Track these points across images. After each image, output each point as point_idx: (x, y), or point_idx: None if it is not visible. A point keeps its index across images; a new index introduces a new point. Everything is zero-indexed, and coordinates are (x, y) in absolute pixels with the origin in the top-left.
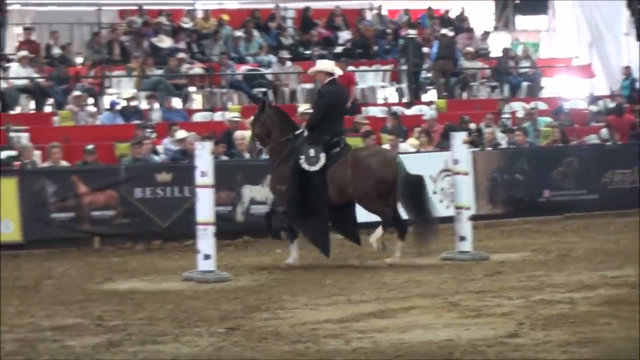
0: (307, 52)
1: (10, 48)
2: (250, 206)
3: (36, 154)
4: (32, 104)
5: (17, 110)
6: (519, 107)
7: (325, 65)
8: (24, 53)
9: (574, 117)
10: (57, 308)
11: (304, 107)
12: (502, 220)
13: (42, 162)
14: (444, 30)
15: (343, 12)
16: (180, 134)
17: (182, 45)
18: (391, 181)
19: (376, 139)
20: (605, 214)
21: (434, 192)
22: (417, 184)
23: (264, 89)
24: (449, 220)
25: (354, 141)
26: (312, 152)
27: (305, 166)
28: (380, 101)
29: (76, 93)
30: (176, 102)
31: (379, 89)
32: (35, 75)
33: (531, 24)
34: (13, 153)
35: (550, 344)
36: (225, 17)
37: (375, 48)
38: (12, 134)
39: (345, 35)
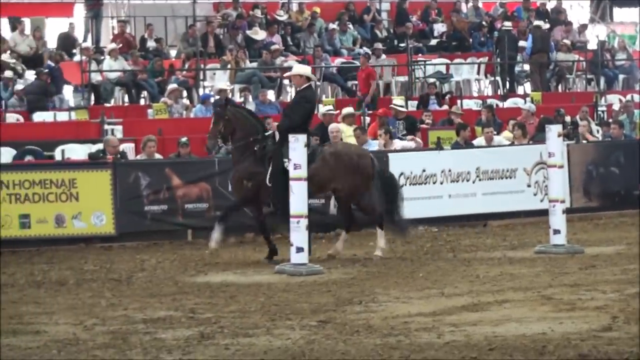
0: (402, 44)
1: (104, 41)
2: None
3: (129, 146)
4: (126, 97)
5: (112, 103)
6: (614, 100)
7: (304, 69)
8: (113, 46)
9: None
10: (149, 300)
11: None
12: (596, 213)
13: (135, 155)
14: (537, 23)
15: (438, 5)
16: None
17: (276, 37)
18: (372, 175)
19: (470, 132)
20: None
21: (528, 185)
22: (391, 182)
23: (357, 82)
24: (544, 213)
25: (449, 134)
26: (320, 150)
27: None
28: (474, 94)
29: (172, 86)
30: (270, 95)
31: (473, 81)
32: (130, 68)
33: (628, 16)
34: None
35: None
36: (317, 9)
37: (470, 40)
38: (106, 127)
39: (440, 28)
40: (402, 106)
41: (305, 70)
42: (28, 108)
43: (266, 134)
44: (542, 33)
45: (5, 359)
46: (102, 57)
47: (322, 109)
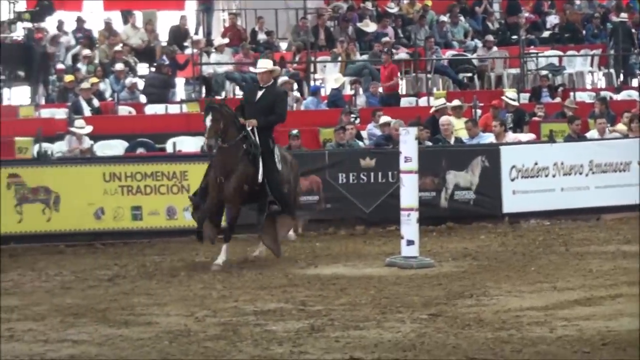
0: (514, 36)
1: (215, 34)
2: (454, 192)
3: None
4: (237, 89)
5: (223, 95)
6: None
7: (273, 65)
8: (220, 41)
9: None
10: (260, 292)
11: (508, 94)
12: None
13: None
14: None
15: None
16: (384, 119)
17: (387, 30)
18: None
19: (582, 125)
20: None
21: None
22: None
23: (469, 74)
24: None
25: (562, 127)
26: (277, 151)
27: (280, 166)
28: (588, 86)
29: (283, 79)
30: (380, 88)
31: (586, 73)
32: (237, 61)
33: None
34: None
35: None
36: (429, 2)
37: (584, 32)
38: None
39: (552, 20)
40: (513, 99)
41: (274, 66)
42: (148, 100)
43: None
44: None
45: (118, 350)
46: (213, 50)
47: (434, 102)
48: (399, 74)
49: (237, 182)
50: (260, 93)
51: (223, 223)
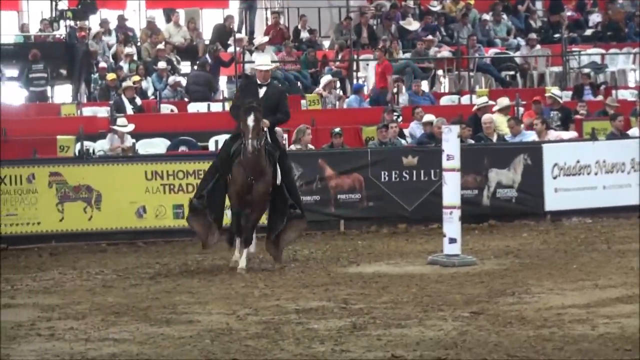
0: (556, 35)
1: (258, 32)
2: (496, 190)
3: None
4: None
5: None
6: None
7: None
8: (260, 40)
9: None
10: (301, 291)
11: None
12: None
13: (288, 145)
14: None
15: None
16: (427, 117)
17: (430, 28)
18: None
19: (624, 122)
20: None
21: None
22: None
23: (512, 72)
24: None
25: (604, 125)
26: None
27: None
28: (630, 84)
29: (327, 77)
30: (424, 85)
31: (629, 71)
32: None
33: None
34: None
35: None
36: (472, 0)
37: (626, 30)
38: None
39: (595, 18)
40: (559, 96)
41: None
42: (191, 99)
43: None
44: None
45: (159, 349)
46: (254, 49)
47: (476, 100)
48: (392, 72)
49: (268, 183)
50: (262, 91)
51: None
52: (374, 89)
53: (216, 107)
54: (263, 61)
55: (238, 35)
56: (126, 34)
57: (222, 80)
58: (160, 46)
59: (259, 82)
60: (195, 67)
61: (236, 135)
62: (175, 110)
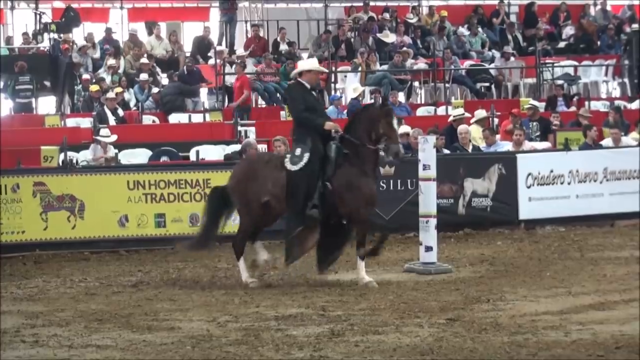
0: (531, 47)
1: (238, 44)
2: (472, 199)
3: (261, 147)
4: (260, 99)
5: None
6: None
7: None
8: (242, 52)
9: None
10: (281, 298)
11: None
12: None
13: None
14: None
15: (567, 8)
16: (404, 128)
17: (406, 40)
18: None
19: (596, 133)
20: None
21: None
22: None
23: (486, 84)
24: None
25: (577, 135)
26: None
27: None
28: (602, 95)
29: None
30: (400, 97)
31: (601, 83)
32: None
33: None
34: (239, 147)
35: None
36: (444, 13)
37: (598, 43)
38: (239, 128)
39: (568, 31)
40: (539, 107)
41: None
42: (165, 110)
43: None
44: None
45: (141, 355)
46: (236, 60)
47: (452, 111)
48: (250, 87)
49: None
50: (313, 95)
51: None
52: (352, 101)
53: (197, 117)
54: (312, 64)
55: (218, 48)
56: (116, 47)
57: (203, 92)
58: (144, 60)
59: (307, 86)
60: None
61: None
62: (157, 121)
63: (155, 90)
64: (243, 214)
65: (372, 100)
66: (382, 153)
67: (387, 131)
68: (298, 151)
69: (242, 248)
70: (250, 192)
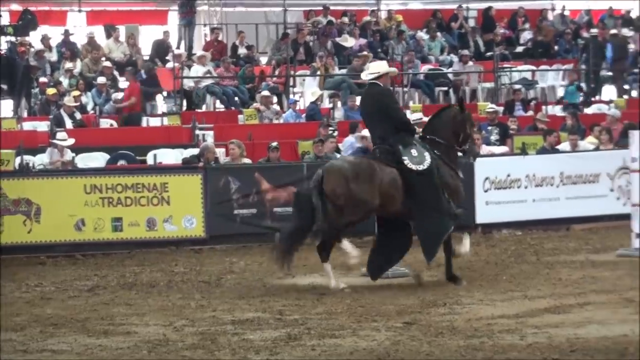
0: (489, 52)
1: (197, 48)
2: None
3: (219, 151)
4: (218, 103)
5: (203, 108)
6: None
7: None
8: (201, 53)
9: None
10: (238, 302)
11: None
12: None
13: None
14: (613, 31)
15: (525, 12)
16: (362, 131)
17: (365, 44)
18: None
19: (556, 137)
20: None
21: (611, 190)
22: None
23: (445, 88)
24: (626, 217)
25: (534, 139)
26: None
27: None
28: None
29: (264, 93)
30: (358, 101)
31: (558, 87)
32: (218, 74)
33: None
34: (197, 151)
35: None
36: (400, 17)
37: (556, 48)
38: (197, 132)
39: (526, 36)
40: (499, 111)
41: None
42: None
43: None
44: (620, 41)
45: (97, 359)
46: (194, 63)
47: (410, 115)
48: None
49: None
50: None
51: None
52: (310, 105)
53: (155, 121)
54: (387, 68)
55: (177, 51)
56: (72, 50)
57: (161, 96)
58: (107, 63)
59: None
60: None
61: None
62: (115, 125)
63: (119, 95)
64: (347, 215)
65: (331, 105)
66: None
67: (472, 134)
68: (414, 152)
69: (329, 250)
70: (362, 193)
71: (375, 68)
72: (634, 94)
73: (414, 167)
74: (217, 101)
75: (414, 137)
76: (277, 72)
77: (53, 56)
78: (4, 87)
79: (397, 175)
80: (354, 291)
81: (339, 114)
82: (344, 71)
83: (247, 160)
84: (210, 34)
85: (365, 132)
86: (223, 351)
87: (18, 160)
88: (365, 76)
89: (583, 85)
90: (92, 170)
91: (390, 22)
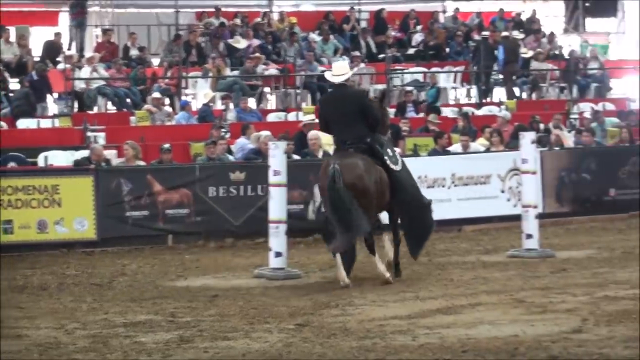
0: (381, 55)
1: (88, 49)
2: (321, 204)
3: (111, 153)
4: (110, 104)
5: (95, 110)
6: (586, 108)
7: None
8: (90, 55)
9: None
10: (130, 305)
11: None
12: (568, 219)
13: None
14: (505, 34)
15: (417, 14)
16: (256, 133)
17: (258, 46)
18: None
19: (447, 139)
20: None
21: (502, 191)
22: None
23: None
24: (517, 218)
25: (426, 141)
26: None
27: None
28: (451, 102)
29: (155, 94)
30: (251, 103)
31: (450, 89)
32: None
33: (601, 26)
34: (88, 153)
35: (613, 339)
36: (293, 19)
37: (447, 50)
38: (89, 134)
39: (418, 38)
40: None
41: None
42: (14, 115)
43: None
44: (510, 43)
45: None
46: (85, 64)
47: (302, 117)
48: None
49: None
50: None
51: None
52: (203, 106)
53: (46, 123)
54: (345, 68)
55: (68, 52)
56: None
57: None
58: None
59: None
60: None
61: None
62: (5, 126)
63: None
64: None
65: (224, 106)
66: None
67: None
68: (390, 152)
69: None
70: (375, 189)
71: (341, 69)
72: (524, 95)
73: (393, 166)
74: (109, 103)
75: (384, 137)
76: (169, 74)
77: None
78: None
79: (384, 173)
80: (246, 293)
81: (231, 115)
82: (236, 73)
83: (140, 162)
84: (101, 35)
85: (258, 133)
86: (115, 354)
87: None
88: (332, 77)
89: (474, 87)
90: None
91: (283, 23)
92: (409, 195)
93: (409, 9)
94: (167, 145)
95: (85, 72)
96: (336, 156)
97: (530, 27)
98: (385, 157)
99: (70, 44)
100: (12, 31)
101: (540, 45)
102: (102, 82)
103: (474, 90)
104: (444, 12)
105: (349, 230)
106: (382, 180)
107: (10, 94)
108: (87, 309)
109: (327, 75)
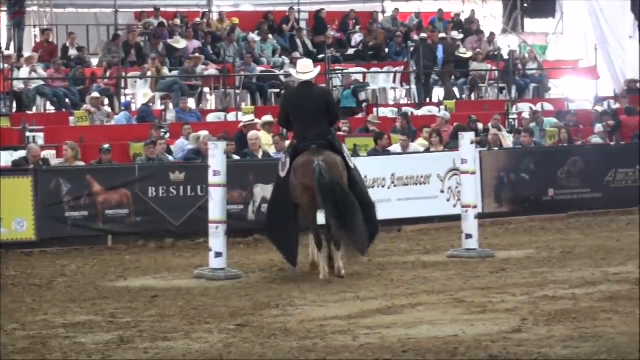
0: (321, 55)
1: (27, 49)
2: (261, 205)
3: (50, 153)
4: (49, 104)
5: (34, 110)
6: (525, 108)
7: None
8: (29, 54)
9: (580, 117)
10: (69, 305)
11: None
12: (507, 219)
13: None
14: (442, 35)
15: (356, 15)
16: (195, 134)
17: (197, 46)
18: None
19: (388, 140)
20: (607, 212)
21: (442, 191)
22: (330, 189)
23: (277, 90)
24: (456, 218)
25: (365, 141)
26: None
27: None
28: (390, 102)
29: (94, 94)
30: (190, 103)
31: (389, 90)
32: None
33: (539, 27)
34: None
35: (552, 339)
36: (235, 20)
37: (387, 50)
38: (28, 134)
39: (357, 38)
40: None
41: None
42: None
43: None
44: (449, 44)
45: None
46: (23, 64)
47: (242, 117)
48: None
49: None
50: None
51: None
52: (142, 107)
53: None
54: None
55: (6, 52)
56: None
57: None
58: None
59: None
60: None
61: None
62: None
63: None
64: None
65: (163, 107)
66: None
67: None
68: (345, 149)
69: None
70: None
71: (307, 67)
72: (464, 96)
73: (351, 164)
74: (48, 103)
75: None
76: (108, 74)
77: None
78: None
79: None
80: (187, 293)
81: (170, 115)
82: (175, 73)
83: (79, 163)
84: (40, 35)
85: (197, 134)
86: (55, 355)
87: None
88: (298, 75)
89: (413, 87)
90: None
91: (223, 24)
92: (362, 194)
93: (349, 9)
94: (106, 146)
95: (24, 72)
96: (311, 153)
97: (469, 27)
98: (345, 155)
99: (8, 44)
100: None
101: (481, 45)
102: (41, 82)
103: (413, 91)
104: (384, 12)
105: (351, 219)
106: (347, 178)
107: None
108: (26, 310)
109: (293, 73)
